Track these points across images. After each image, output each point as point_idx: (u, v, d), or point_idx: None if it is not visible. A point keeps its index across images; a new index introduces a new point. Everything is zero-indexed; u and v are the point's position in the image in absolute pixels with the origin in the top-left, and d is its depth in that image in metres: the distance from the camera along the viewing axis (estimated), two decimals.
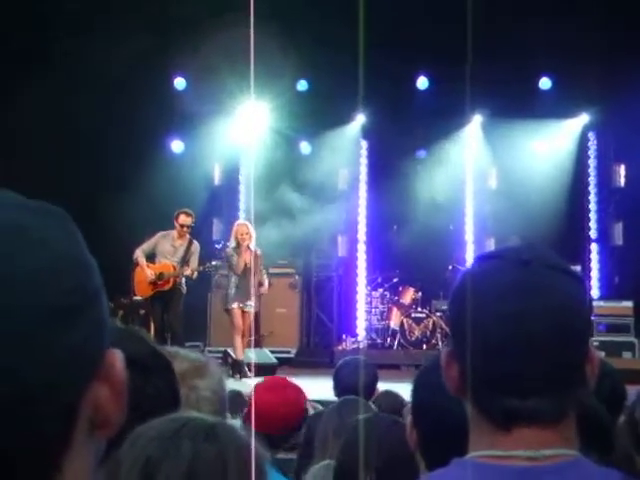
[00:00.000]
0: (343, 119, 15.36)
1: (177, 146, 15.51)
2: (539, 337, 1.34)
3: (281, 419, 3.86)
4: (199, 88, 14.82)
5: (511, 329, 1.34)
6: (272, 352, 11.81)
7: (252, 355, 11.75)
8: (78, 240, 0.84)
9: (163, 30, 13.63)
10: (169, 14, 13.74)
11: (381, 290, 14.68)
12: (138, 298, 13.17)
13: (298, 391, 4.15)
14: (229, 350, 12.70)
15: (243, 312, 11.45)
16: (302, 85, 15.24)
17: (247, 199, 15.52)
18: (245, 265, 11.37)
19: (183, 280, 11.67)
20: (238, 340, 11.52)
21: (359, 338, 14.79)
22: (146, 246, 11.73)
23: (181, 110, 14.96)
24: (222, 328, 13.35)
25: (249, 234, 11.39)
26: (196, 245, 11.79)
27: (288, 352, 13.30)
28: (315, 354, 14.21)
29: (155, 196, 13.50)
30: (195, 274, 11.66)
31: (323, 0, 12.89)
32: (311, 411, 4.33)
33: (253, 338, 11.90)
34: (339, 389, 4.92)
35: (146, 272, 11.52)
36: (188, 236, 11.75)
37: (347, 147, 15.47)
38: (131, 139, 13.72)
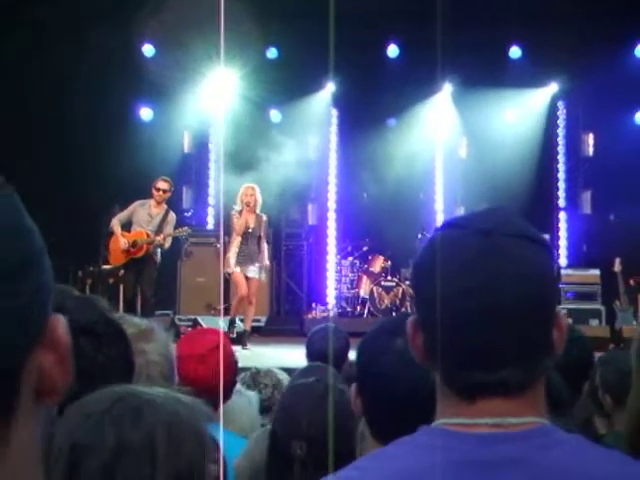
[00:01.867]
0: (313, 87, 15.31)
1: (146, 114, 15.39)
2: (504, 308, 1.33)
3: (205, 379, 3.31)
4: (168, 55, 14.69)
5: (475, 301, 1.32)
6: (242, 320, 11.80)
7: (221, 324, 11.75)
8: (13, 204, 0.83)
9: None
10: None
11: (351, 258, 14.72)
12: (107, 267, 13.12)
13: (218, 341, 3.57)
14: (199, 318, 12.71)
15: (247, 278, 11.33)
16: (272, 53, 15.16)
17: (217, 167, 15.46)
18: (247, 228, 11.31)
19: (158, 250, 11.63)
20: (234, 303, 11.51)
21: (329, 306, 14.84)
22: (122, 215, 11.70)
23: (150, 77, 14.82)
24: (192, 296, 13.36)
25: (254, 196, 11.29)
26: (172, 215, 11.76)
27: (258, 320, 13.31)
28: (285, 322, 14.25)
29: (125, 164, 13.41)
30: (168, 240, 11.59)
31: None
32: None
33: (222, 307, 11.90)
34: (311, 356, 4.95)
35: (120, 240, 11.48)
36: (165, 206, 11.72)
37: (317, 115, 15.43)
38: (99, 107, 13.59)
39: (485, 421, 1.33)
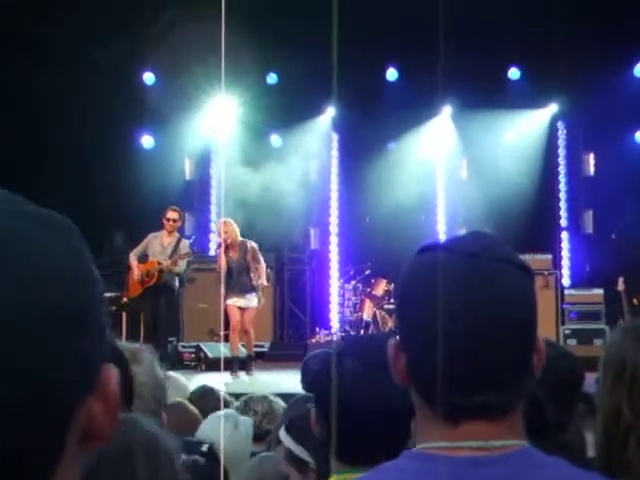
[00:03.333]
0: (313, 112, 15.36)
1: (147, 141, 15.43)
2: (488, 332, 1.32)
3: None
4: (168, 83, 14.77)
5: (459, 324, 1.31)
6: (243, 346, 11.79)
7: (223, 349, 11.74)
8: (81, 249, 0.84)
9: (132, 25, 13.55)
10: (139, 8, 13.67)
11: (354, 282, 14.70)
12: (109, 295, 13.14)
13: None
14: (201, 345, 12.70)
15: (239, 308, 11.39)
16: (272, 78, 15.22)
17: (219, 193, 15.48)
18: (231, 263, 11.32)
19: (176, 278, 11.73)
20: (232, 336, 11.53)
21: (332, 330, 14.81)
22: (137, 249, 11.96)
23: (151, 105, 14.89)
24: (195, 323, 13.35)
25: (227, 232, 11.34)
26: (184, 243, 11.93)
27: (261, 346, 13.30)
28: (289, 347, 14.22)
29: (126, 192, 13.45)
30: (180, 264, 11.72)
31: None
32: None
33: (222, 333, 11.89)
34: (306, 383, 4.88)
35: (135, 272, 11.74)
36: (177, 234, 11.93)
37: (318, 140, 15.47)
38: (100, 134, 13.65)
39: (468, 444, 1.32)
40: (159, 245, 11.73)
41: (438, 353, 1.31)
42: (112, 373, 0.86)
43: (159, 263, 11.58)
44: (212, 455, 2.86)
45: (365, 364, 2.01)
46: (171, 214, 11.78)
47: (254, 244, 11.55)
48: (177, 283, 11.86)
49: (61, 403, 0.79)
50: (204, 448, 2.89)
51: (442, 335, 1.31)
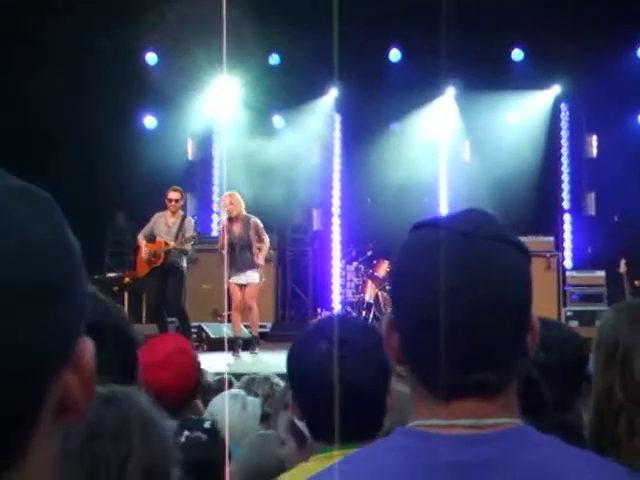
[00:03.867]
0: (316, 92, 15.32)
1: (150, 121, 15.41)
2: (481, 310, 1.32)
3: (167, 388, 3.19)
4: (171, 63, 14.73)
5: (453, 302, 1.31)
6: (247, 326, 11.81)
7: (226, 330, 11.76)
8: (60, 224, 0.84)
9: (134, 6, 13.50)
10: None
11: (356, 263, 14.70)
12: (111, 275, 13.20)
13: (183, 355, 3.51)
14: (203, 325, 12.72)
15: (242, 286, 11.38)
16: (274, 59, 15.18)
17: (221, 174, 15.47)
18: (233, 238, 11.32)
19: (183, 260, 11.79)
20: (233, 316, 11.53)
21: (334, 311, 14.82)
22: (145, 229, 11.97)
23: (153, 85, 14.86)
24: (197, 304, 13.35)
25: (233, 204, 11.36)
26: (189, 220, 11.99)
27: (264, 326, 13.31)
28: (291, 328, 14.20)
29: (129, 172, 13.45)
30: (186, 244, 11.74)
31: None
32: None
33: (226, 313, 11.91)
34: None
35: (143, 251, 11.79)
36: (181, 212, 11.98)
37: (320, 120, 15.44)
38: (103, 115, 13.62)
39: (461, 422, 1.33)
40: (164, 225, 11.78)
41: (431, 331, 1.31)
42: (88, 346, 0.86)
43: (166, 244, 11.62)
44: (214, 432, 2.87)
45: (335, 344, 2.03)
46: (172, 194, 11.82)
47: (258, 220, 11.53)
48: (185, 264, 11.89)
49: (37, 374, 0.79)
50: (206, 425, 2.89)
51: (435, 313, 1.31)
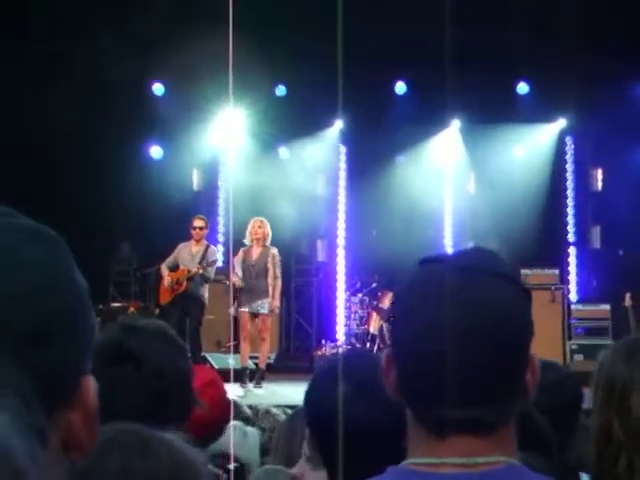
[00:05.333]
0: (322, 124, 15.37)
1: (156, 152, 15.47)
2: (478, 347, 1.31)
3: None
4: (178, 94, 14.80)
5: (448, 337, 1.30)
6: (251, 357, 11.77)
7: (230, 361, 11.71)
8: (67, 263, 0.84)
9: (141, 36, 13.59)
10: (148, 19, 13.71)
11: (360, 295, 14.67)
12: (116, 305, 13.21)
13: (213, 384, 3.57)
14: (207, 355, 12.68)
15: (254, 315, 11.34)
16: (280, 90, 15.25)
17: (226, 205, 15.49)
18: (254, 260, 11.32)
19: (204, 287, 11.75)
20: (242, 346, 11.50)
21: (338, 343, 14.78)
22: (169, 259, 12.04)
23: (160, 116, 14.92)
24: (202, 334, 13.31)
25: (262, 228, 11.42)
26: (213, 249, 12.10)
27: (268, 357, 13.28)
28: (295, 359, 14.21)
29: (135, 202, 13.48)
30: (209, 271, 11.82)
31: (301, 5, 12.89)
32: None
33: (232, 344, 11.88)
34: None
35: (165, 280, 11.86)
36: (205, 242, 12.04)
37: (326, 152, 15.48)
38: (110, 145, 13.67)
39: (452, 461, 1.32)
40: (188, 254, 11.86)
41: (426, 365, 1.31)
42: (91, 385, 0.86)
43: (188, 271, 11.66)
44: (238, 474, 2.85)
45: (356, 385, 2.00)
46: (197, 222, 11.96)
47: (277, 253, 11.55)
48: (206, 293, 11.90)
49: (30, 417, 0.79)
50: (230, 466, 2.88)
51: (430, 347, 1.31)
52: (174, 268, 11.88)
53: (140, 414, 1.84)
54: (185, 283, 11.70)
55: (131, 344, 1.91)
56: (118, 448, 1.37)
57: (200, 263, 11.72)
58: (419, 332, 1.32)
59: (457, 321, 1.31)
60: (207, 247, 11.96)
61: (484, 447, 1.32)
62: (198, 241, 11.93)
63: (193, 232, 11.90)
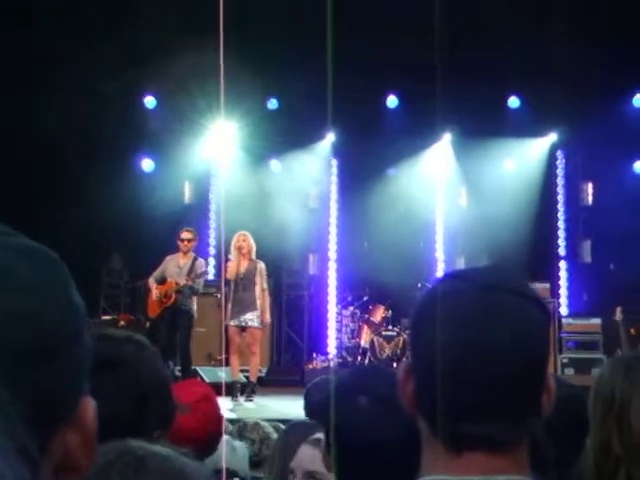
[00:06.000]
0: (313, 137, 15.39)
1: (147, 164, 15.47)
2: (499, 364, 1.33)
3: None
4: (169, 107, 14.81)
5: (470, 355, 1.32)
6: (242, 371, 11.74)
7: (221, 374, 11.69)
8: (64, 284, 0.84)
9: (133, 49, 13.60)
10: (139, 33, 13.72)
11: (352, 308, 14.67)
12: (106, 317, 13.18)
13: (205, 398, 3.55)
14: (198, 369, 12.65)
15: (242, 328, 11.29)
16: (272, 104, 15.27)
17: (218, 218, 15.48)
18: (239, 274, 11.32)
19: (192, 300, 11.75)
20: (231, 359, 11.46)
21: (330, 356, 14.77)
22: (156, 272, 11.97)
23: (151, 129, 14.93)
24: (192, 348, 13.28)
25: (246, 241, 11.37)
26: (200, 262, 12.01)
27: (259, 371, 13.26)
28: (286, 373, 14.19)
29: (126, 215, 13.46)
30: (198, 283, 11.79)
31: (292, 19, 12.92)
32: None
33: (223, 357, 11.86)
34: (309, 410, 4.81)
35: (153, 293, 11.79)
36: (192, 254, 11.96)
37: (317, 165, 15.50)
38: (101, 157, 13.67)
39: (470, 479, 1.32)
40: (175, 266, 11.81)
41: (447, 379, 1.31)
42: (89, 405, 0.86)
43: (177, 284, 11.63)
44: None
45: (375, 400, 1.99)
46: (185, 234, 11.90)
47: (264, 267, 11.54)
48: (195, 306, 11.88)
49: (38, 431, 0.78)
50: None
51: (452, 362, 1.32)
52: (162, 281, 11.85)
53: (124, 421, 1.84)
54: (174, 296, 11.66)
55: (105, 352, 1.90)
56: (116, 470, 1.35)
57: (188, 275, 11.71)
58: (445, 347, 1.32)
59: (480, 338, 1.33)
60: (195, 259, 11.91)
61: (500, 465, 1.33)
62: (185, 253, 11.86)
63: (181, 244, 11.84)
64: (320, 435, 2.51)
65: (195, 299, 11.87)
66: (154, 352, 2.07)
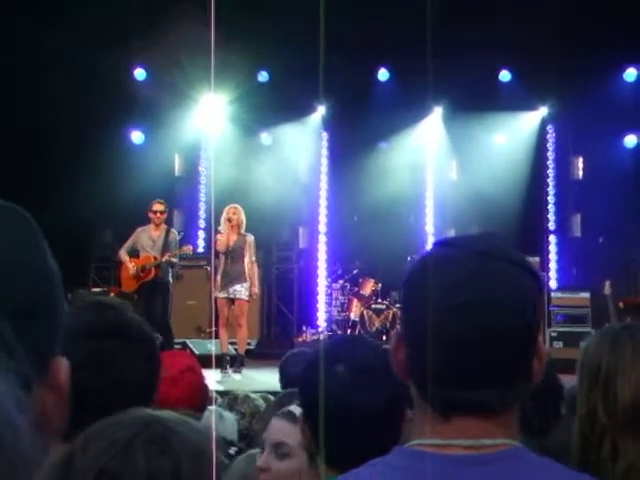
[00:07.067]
0: (304, 110, 15.35)
1: (137, 137, 15.41)
2: (491, 330, 1.33)
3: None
4: (159, 79, 14.74)
5: (461, 320, 1.33)
6: (232, 343, 11.77)
7: (211, 347, 11.72)
8: (38, 245, 0.84)
9: (123, 20, 13.52)
10: (130, 4, 13.64)
11: (341, 282, 14.70)
12: (96, 290, 13.16)
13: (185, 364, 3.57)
14: (188, 342, 12.68)
15: (230, 300, 11.30)
16: (263, 76, 15.20)
17: (208, 190, 15.46)
18: (229, 246, 11.30)
19: (169, 273, 11.74)
20: (220, 332, 11.46)
21: (319, 329, 14.81)
22: (127, 244, 11.92)
23: (141, 101, 14.86)
24: (182, 320, 13.31)
25: (236, 215, 11.33)
26: (174, 233, 11.97)
27: (249, 344, 13.29)
28: (275, 345, 14.19)
29: (116, 187, 13.43)
30: (176, 258, 11.73)
31: None
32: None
33: (213, 329, 11.88)
34: (284, 381, 4.77)
35: (129, 267, 11.70)
36: (164, 225, 11.93)
37: (308, 138, 15.46)
38: (91, 129, 13.61)
39: (459, 442, 1.33)
40: (148, 239, 11.73)
41: (438, 345, 1.32)
42: (63, 365, 0.86)
43: (155, 258, 11.58)
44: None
45: (352, 368, 2.00)
46: (157, 206, 11.81)
47: (253, 239, 11.52)
48: (171, 278, 11.87)
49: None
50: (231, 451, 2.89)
51: (443, 327, 1.33)
52: (132, 253, 11.79)
53: (142, 382, 1.94)
54: (153, 271, 11.61)
55: (114, 319, 1.94)
56: (141, 449, 1.35)
57: (163, 248, 11.64)
58: (437, 313, 1.33)
59: (470, 303, 1.33)
60: (168, 231, 11.85)
61: (489, 430, 1.34)
62: (158, 225, 11.81)
63: (153, 216, 11.75)
64: (293, 407, 2.53)
65: (170, 271, 11.86)
66: (142, 319, 2.12)
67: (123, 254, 11.82)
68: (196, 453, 1.39)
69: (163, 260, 11.57)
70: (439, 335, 1.32)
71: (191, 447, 1.39)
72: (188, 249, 12.21)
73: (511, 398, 1.37)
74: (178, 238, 11.92)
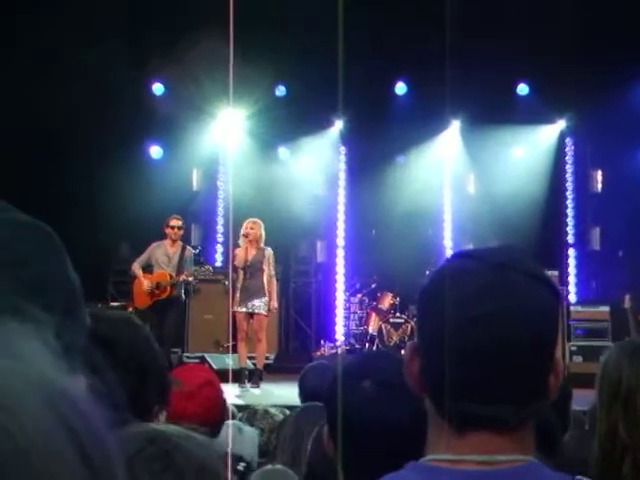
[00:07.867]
0: (322, 124, 15.36)
1: (155, 151, 15.46)
2: (508, 344, 1.32)
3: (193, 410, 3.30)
4: (178, 93, 14.78)
5: (477, 332, 1.31)
6: (250, 358, 11.76)
7: (229, 361, 11.71)
8: (62, 259, 0.84)
9: (142, 36, 13.59)
10: (148, 20, 13.71)
11: (359, 295, 14.68)
12: (114, 304, 13.18)
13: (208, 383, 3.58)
14: (206, 356, 12.67)
15: (251, 315, 11.28)
16: (281, 90, 15.23)
17: (226, 205, 15.48)
18: (248, 261, 11.26)
19: (182, 289, 11.72)
20: (239, 346, 11.43)
21: (338, 343, 14.78)
22: (141, 258, 11.84)
23: (160, 115, 14.91)
24: (200, 334, 13.33)
25: (254, 229, 11.30)
26: (189, 251, 11.89)
27: (267, 358, 13.28)
28: (294, 360, 14.16)
29: (134, 202, 13.46)
30: (192, 278, 11.72)
31: (302, 6, 12.88)
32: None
33: (230, 344, 11.87)
34: (304, 395, 4.76)
35: (143, 283, 11.58)
36: (180, 243, 11.84)
37: (326, 152, 15.47)
38: (109, 144, 13.67)
39: (473, 458, 1.32)
40: (164, 255, 11.67)
41: (454, 358, 1.30)
42: (80, 384, 0.85)
43: (172, 277, 11.50)
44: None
45: (379, 384, 1.99)
46: (174, 222, 11.74)
47: (272, 253, 11.49)
48: (184, 294, 11.85)
49: None
50: (240, 467, 2.88)
51: (460, 340, 1.31)
52: (146, 268, 11.73)
53: (124, 398, 1.87)
54: (169, 289, 11.53)
55: (101, 331, 1.93)
56: (144, 465, 1.35)
57: (178, 265, 11.59)
58: (453, 325, 1.32)
59: (489, 318, 1.31)
60: (184, 248, 11.77)
61: (504, 445, 1.33)
62: (174, 241, 11.73)
63: (170, 232, 11.66)
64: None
65: (183, 287, 11.83)
66: (148, 332, 2.11)
67: (137, 268, 11.71)
68: (200, 468, 1.39)
69: (180, 280, 11.52)
70: (455, 347, 1.30)
71: (195, 462, 1.39)
72: (207, 269, 12.13)
73: (527, 414, 1.35)
74: (195, 253, 11.90)
